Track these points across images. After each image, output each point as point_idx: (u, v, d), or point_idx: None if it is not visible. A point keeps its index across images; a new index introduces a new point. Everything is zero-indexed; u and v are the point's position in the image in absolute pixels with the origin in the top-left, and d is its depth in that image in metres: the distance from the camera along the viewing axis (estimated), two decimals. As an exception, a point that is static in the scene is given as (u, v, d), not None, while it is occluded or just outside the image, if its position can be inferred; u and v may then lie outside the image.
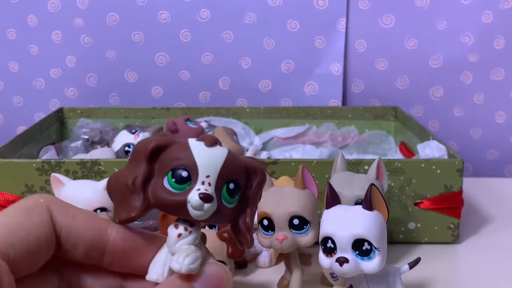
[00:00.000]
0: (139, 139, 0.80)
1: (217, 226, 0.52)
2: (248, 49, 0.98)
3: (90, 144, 0.84)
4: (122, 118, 0.94)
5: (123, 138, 0.81)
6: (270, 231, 0.49)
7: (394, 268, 0.48)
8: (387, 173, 0.59)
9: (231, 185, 0.26)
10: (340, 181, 0.53)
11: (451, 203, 0.65)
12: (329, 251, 0.43)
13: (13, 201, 0.66)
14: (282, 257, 0.56)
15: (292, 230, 0.48)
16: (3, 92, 1.01)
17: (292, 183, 0.51)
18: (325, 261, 0.44)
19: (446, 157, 0.68)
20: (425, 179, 0.64)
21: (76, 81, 1.00)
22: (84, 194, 0.60)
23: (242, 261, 0.60)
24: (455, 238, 0.66)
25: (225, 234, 0.48)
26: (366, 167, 0.63)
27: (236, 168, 0.26)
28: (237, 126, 0.92)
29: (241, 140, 0.89)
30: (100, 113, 0.94)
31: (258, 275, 0.59)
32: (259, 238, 0.50)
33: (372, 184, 0.43)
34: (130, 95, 1.00)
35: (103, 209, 0.60)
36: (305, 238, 0.48)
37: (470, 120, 0.99)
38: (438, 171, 0.64)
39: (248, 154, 0.85)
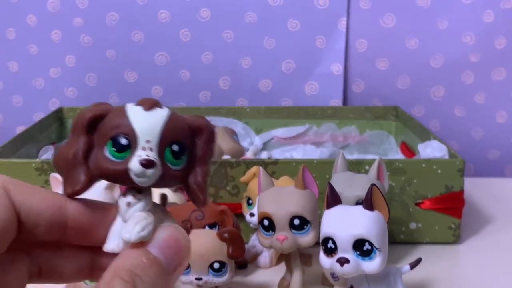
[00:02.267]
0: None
1: (217, 226, 0.52)
2: (248, 48, 0.97)
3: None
4: (122, 118, 0.93)
5: (123, 138, 0.81)
6: (270, 231, 0.48)
7: (395, 269, 0.47)
8: (388, 173, 0.59)
9: (175, 147, 0.25)
10: (341, 181, 0.53)
11: (452, 203, 0.65)
12: (330, 252, 0.43)
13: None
14: (282, 257, 0.56)
15: (292, 230, 0.48)
16: (2, 92, 1.00)
17: (293, 183, 0.51)
18: (325, 261, 0.44)
19: (447, 157, 0.68)
20: (426, 179, 0.64)
21: (75, 81, 1.00)
22: (84, 194, 0.60)
23: (242, 261, 0.60)
24: (456, 238, 0.66)
25: (226, 234, 0.48)
26: (367, 167, 0.62)
27: (179, 129, 0.26)
28: (237, 126, 0.92)
29: (241, 140, 0.89)
30: (100, 113, 0.94)
31: (258, 276, 0.59)
32: (260, 239, 0.50)
33: (372, 184, 0.43)
34: (130, 95, 0.99)
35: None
36: (306, 238, 0.48)
37: (471, 120, 0.98)
38: (439, 171, 0.64)
39: (249, 154, 0.85)
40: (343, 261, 0.42)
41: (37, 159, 0.69)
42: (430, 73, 0.97)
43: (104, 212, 0.26)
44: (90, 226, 0.26)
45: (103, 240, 0.26)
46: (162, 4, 0.96)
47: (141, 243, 0.24)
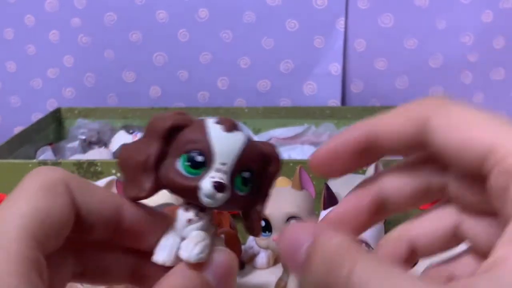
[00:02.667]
0: (137, 139, 0.79)
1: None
2: (246, 48, 0.97)
3: (88, 145, 0.84)
4: (120, 119, 0.93)
5: (121, 138, 0.81)
6: (267, 232, 0.48)
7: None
8: (386, 173, 0.58)
9: (246, 174, 0.25)
10: (338, 182, 0.53)
11: (451, 204, 0.64)
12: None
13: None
14: (279, 258, 0.56)
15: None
16: (0, 92, 1.00)
17: (290, 183, 0.50)
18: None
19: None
20: (424, 180, 0.64)
21: (73, 81, 1.00)
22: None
23: (239, 262, 0.60)
24: (454, 239, 0.66)
25: (222, 235, 0.47)
26: (364, 168, 0.62)
27: (253, 156, 0.25)
28: (236, 126, 0.92)
29: (239, 140, 0.89)
30: (98, 113, 0.94)
31: (255, 276, 0.59)
32: (256, 239, 0.50)
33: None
34: (128, 95, 0.99)
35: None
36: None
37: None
38: (437, 171, 0.64)
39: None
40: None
41: (35, 160, 0.69)
42: (428, 73, 0.97)
43: (159, 220, 0.26)
44: (143, 232, 0.25)
45: (152, 247, 0.25)
46: (160, 4, 0.96)
47: (198, 265, 0.24)
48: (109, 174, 0.64)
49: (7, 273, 0.19)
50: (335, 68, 0.97)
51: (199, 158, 0.24)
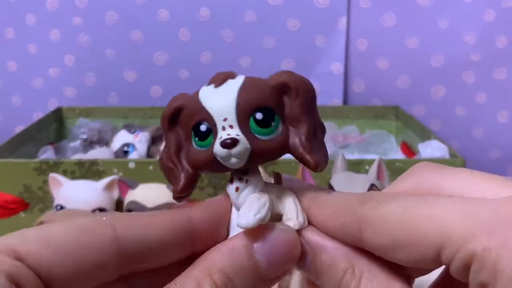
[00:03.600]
0: (138, 139, 0.79)
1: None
2: (248, 48, 0.97)
3: (89, 144, 0.84)
4: (121, 118, 0.93)
5: (122, 138, 0.81)
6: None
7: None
8: (388, 173, 0.58)
9: (258, 115, 0.22)
10: (341, 181, 0.53)
11: (453, 204, 0.64)
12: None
13: (11, 201, 0.65)
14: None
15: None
16: (1, 91, 1.00)
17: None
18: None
19: (447, 156, 0.68)
20: (427, 179, 0.64)
21: (74, 81, 0.99)
22: (83, 195, 0.60)
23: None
24: (457, 239, 0.66)
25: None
26: (367, 167, 0.62)
27: (258, 94, 0.23)
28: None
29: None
30: (99, 112, 0.94)
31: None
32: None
33: (372, 185, 0.43)
34: (129, 94, 0.99)
35: (101, 210, 0.60)
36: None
37: (472, 120, 0.98)
38: (440, 171, 0.63)
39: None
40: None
41: (36, 159, 0.69)
42: (430, 72, 0.96)
43: (220, 207, 0.24)
44: (214, 226, 0.24)
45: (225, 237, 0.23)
46: (161, 3, 0.95)
47: (253, 234, 0.22)
48: (111, 174, 0.64)
49: None
50: (337, 67, 0.97)
51: (203, 127, 0.23)
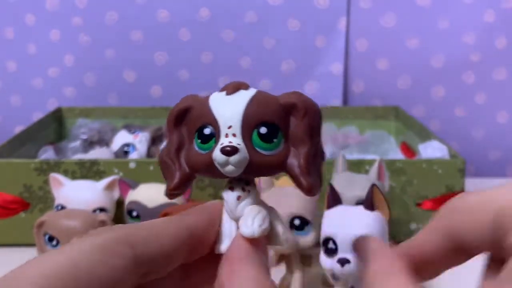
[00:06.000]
0: (138, 139, 0.79)
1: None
2: (248, 48, 0.97)
3: (89, 145, 0.84)
4: (121, 118, 0.93)
5: (122, 138, 0.81)
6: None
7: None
8: (388, 173, 0.58)
9: (262, 129, 0.23)
10: (341, 181, 0.53)
11: (453, 204, 0.64)
12: (331, 252, 0.43)
13: (11, 201, 0.65)
14: (283, 258, 0.56)
15: (293, 230, 0.48)
16: (1, 91, 1.00)
17: (293, 183, 0.50)
18: (326, 262, 0.43)
19: (447, 157, 0.68)
20: (427, 180, 0.64)
21: (74, 81, 0.99)
22: (83, 195, 0.60)
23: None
24: (457, 239, 0.66)
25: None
26: (367, 167, 0.62)
27: (266, 109, 0.23)
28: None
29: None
30: (99, 113, 0.94)
31: (258, 277, 0.58)
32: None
33: (373, 185, 0.43)
34: (129, 94, 0.99)
35: (102, 209, 0.60)
36: (306, 238, 0.48)
37: (472, 120, 0.98)
38: (440, 171, 0.63)
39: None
40: (343, 262, 0.41)
41: (36, 159, 0.69)
42: (430, 73, 0.96)
43: (214, 214, 0.25)
44: (206, 232, 0.24)
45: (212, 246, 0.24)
46: (161, 3, 0.95)
47: (255, 240, 0.23)
48: (112, 174, 0.64)
49: None
50: (337, 68, 0.97)
51: (207, 131, 0.23)
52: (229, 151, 0.22)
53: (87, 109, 0.94)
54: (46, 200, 0.65)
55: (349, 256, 0.42)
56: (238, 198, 0.24)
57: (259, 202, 0.24)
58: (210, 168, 0.23)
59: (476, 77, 0.96)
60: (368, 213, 0.43)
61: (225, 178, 0.24)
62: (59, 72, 0.99)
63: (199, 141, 0.23)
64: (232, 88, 0.24)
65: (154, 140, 0.81)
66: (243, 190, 0.24)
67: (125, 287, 0.21)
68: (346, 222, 0.42)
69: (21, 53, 0.98)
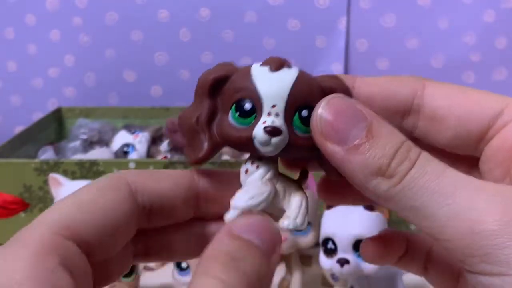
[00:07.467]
0: (138, 139, 0.79)
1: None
2: (248, 48, 0.97)
3: (89, 145, 0.84)
4: (121, 118, 0.93)
5: (122, 138, 0.81)
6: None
7: (395, 269, 0.47)
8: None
9: (304, 112, 0.22)
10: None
11: (453, 204, 0.64)
12: (330, 252, 0.43)
13: (11, 201, 0.65)
14: (282, 258, 0.56)
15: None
16: (1, 91, 1.00)
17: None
18: (326, 262, 0.43)
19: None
20: (427, 180, 0.64)
21: (74, 81, 0.99)
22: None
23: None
24: (457, 239, 0.66)
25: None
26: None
27: (310, 91, 0.23)
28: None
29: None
30: (99, 113, 0.94)
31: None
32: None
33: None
34: (129, 94, 0.99)
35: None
36: (305, 239, 0.48)
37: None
38: (440, 171, 0.63)
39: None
40: (343, 262, 0.41)
41: (36, 159, 0.69)
42: (430, 73, 0.96)
43: (229, 178, 0.25)
44: (219, 196, 0.24)
45: (227, 208, 0.23)
46: (161, 3, 0.95)
47: (253, 214, 0.22)
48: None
49: (19, 282, 0.18)
50: (337, 68, 0.97)
51: (247, 106, 0.22)
52: (274, 131, 0.22)
53: (87, 109, 0.94)
54: (46, 200, 0.65)
55: (349, 256, 0.42)
56: (246, 171, 0.24)
57: (272, 178, 0.24)
58: (247, 144, 0.22)
59: (476, 77, 0.96)
60: (368, 213, 0.42)
61: (255, 154, 0.23)
62: (59, 72, 0.99)
63: (237, 114, 0.23)
64: (277, 64, 0.23)
65: (154, 140, 0.81)
66: (252, 163, 0.24)
67: (130, 226, 0.22)
68: (346, 222, 0.42)
69: (21, 53, 0.98)
